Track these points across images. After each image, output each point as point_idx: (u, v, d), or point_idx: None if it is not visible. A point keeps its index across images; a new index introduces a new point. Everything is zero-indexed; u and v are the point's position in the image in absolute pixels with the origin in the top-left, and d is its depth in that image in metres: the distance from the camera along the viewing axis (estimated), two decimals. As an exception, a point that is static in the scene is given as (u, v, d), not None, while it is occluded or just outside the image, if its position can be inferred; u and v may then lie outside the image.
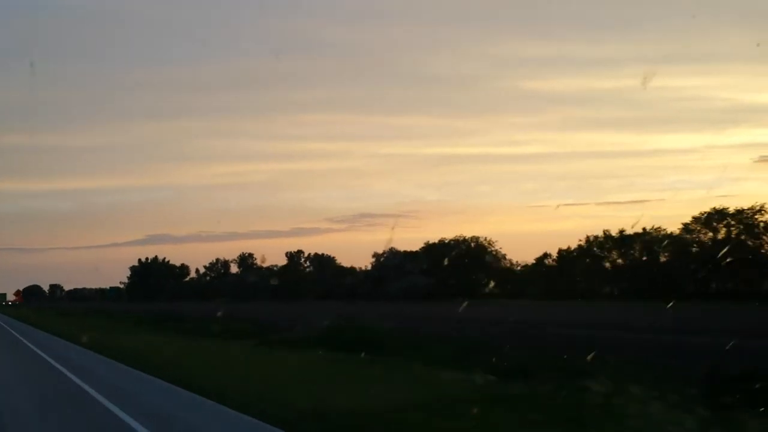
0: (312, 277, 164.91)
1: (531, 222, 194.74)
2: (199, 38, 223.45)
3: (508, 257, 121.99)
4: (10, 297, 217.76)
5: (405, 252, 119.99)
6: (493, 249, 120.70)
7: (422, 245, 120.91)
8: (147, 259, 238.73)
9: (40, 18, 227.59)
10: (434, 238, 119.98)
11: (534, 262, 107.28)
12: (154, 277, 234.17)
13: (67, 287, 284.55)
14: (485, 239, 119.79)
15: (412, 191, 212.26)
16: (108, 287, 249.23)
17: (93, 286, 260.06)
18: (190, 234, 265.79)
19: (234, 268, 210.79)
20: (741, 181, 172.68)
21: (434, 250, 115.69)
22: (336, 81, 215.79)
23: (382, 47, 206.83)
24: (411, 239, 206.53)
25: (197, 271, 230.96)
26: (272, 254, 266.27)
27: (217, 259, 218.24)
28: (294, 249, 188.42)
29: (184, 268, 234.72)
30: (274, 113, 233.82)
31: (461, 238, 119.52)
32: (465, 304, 57.38)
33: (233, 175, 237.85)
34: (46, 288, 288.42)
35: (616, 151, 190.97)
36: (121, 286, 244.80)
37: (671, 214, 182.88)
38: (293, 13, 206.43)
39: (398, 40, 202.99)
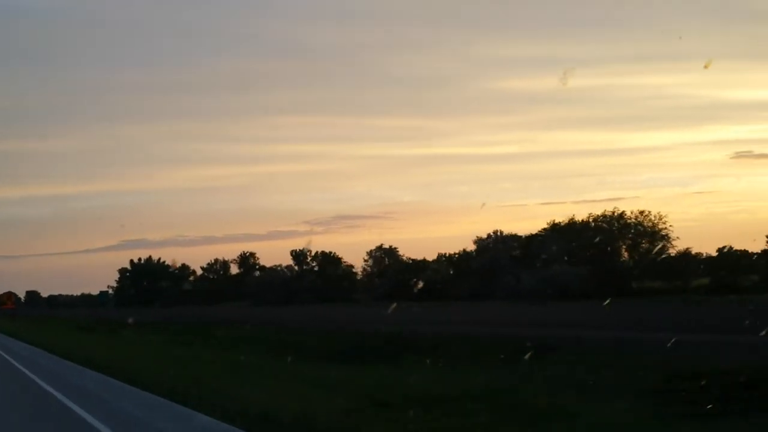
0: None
1: (509, 221, 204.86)
2: (176, 42, 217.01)
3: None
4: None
5: (518, 237, 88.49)
6: (663, 228, 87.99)
7: (546, 226, 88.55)
8: (140, 259, 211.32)
9: (19, 20, 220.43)
10: (462, 233, 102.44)
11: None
12: (149, 279, 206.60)
13: (42, 294, 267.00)
14: (647, 214, 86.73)
15: (389, 192, 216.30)
16: (97, 292, 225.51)
17: (67, 292, 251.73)
18: (167, 238, 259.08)
19: (234, 269, 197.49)
20: (716, 177, 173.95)
21: (568, 233, 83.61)
22: (311, 83, 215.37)
23: (357, 49, 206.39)
24: (391, 240, 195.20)
25: (193, 272, 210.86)
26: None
27: (216, 260, 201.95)
28: (271, 251, 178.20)
29: (185, 269, 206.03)
30: (249, 116, 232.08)
31: (612, 214, 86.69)
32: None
33: (208, 178, 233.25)
34: (21, 295, 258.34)
35: (591, 149, 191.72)
36: (109, 290, 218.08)
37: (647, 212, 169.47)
38: (269, 15, 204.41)
39: (373, 41, 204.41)
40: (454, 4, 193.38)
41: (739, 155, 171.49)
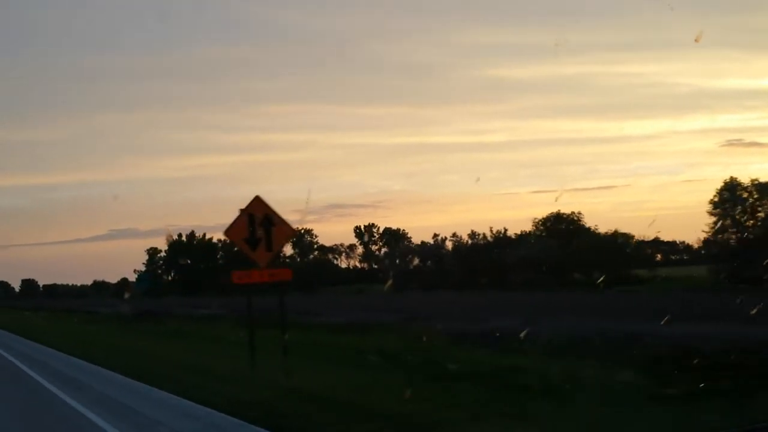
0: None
1: (499, 210, 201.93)
2: (159, 27, 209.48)
3: None
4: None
5: None
6: None
7: None
8: (180, 236, 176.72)
9: None
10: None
11: None
12: (193, 260, 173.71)
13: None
14: None
15: (378, 182, 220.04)
16: (92, 281, 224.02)
17: (62, 282, 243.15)
18: (155, 228, 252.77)
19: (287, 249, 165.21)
20: (704, 165, 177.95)
21: None
22: (299, 71, 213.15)
23: (345, 36, 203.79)
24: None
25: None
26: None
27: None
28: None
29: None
30: (236, 104, 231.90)
31: None
32: None
33: (195, 167, 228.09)
34: (15, 285, 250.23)
35: (580, 138, 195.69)
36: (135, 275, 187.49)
37: (636, 200, 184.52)
38: (254, 0, 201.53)
39: (361, 28, 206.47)
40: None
41: (730, 143, 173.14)
